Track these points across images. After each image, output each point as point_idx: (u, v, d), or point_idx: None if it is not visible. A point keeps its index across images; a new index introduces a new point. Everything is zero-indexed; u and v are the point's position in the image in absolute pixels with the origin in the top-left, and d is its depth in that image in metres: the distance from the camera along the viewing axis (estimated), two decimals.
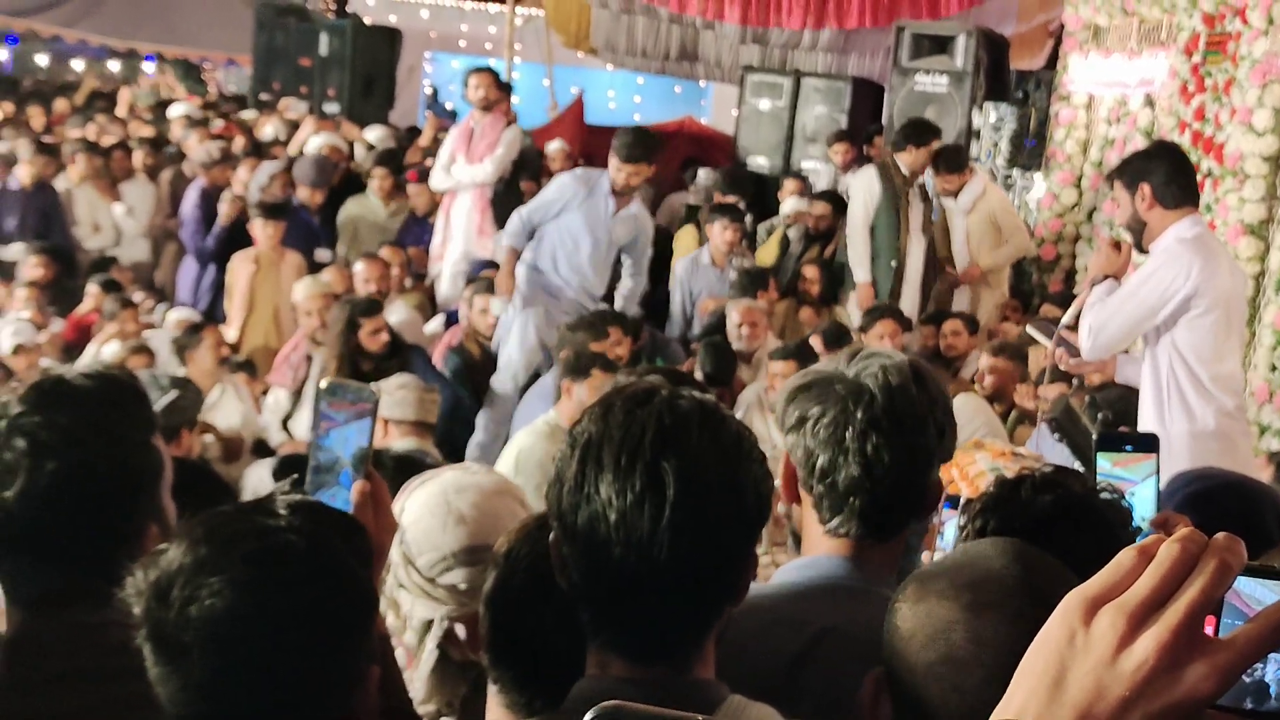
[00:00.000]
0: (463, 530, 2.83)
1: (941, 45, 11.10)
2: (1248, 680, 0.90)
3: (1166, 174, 4.76)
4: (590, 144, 15.00)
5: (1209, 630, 0.88)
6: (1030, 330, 6.11)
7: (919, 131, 8.98)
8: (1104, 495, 2.25)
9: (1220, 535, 0.90)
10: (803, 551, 2.26)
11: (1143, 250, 4.89)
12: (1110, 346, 5.01)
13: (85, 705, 1.90)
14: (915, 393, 2.11)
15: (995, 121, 11.17)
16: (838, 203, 9.93)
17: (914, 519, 2.22)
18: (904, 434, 2.09)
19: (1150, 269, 4.79)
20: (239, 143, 11.79)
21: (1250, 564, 0.90)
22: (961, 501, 3.73)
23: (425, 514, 2.96)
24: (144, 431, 2.13)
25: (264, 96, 14.40)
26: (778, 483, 1.98)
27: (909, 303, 8.87)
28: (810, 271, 8.97)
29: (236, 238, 9.39)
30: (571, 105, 15.47)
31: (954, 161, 9.51)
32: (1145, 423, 4.87)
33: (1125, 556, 0.91)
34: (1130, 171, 4.84)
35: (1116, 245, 4.94)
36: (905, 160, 8.84)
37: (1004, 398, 7.15)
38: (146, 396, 2.19)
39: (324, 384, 2.10)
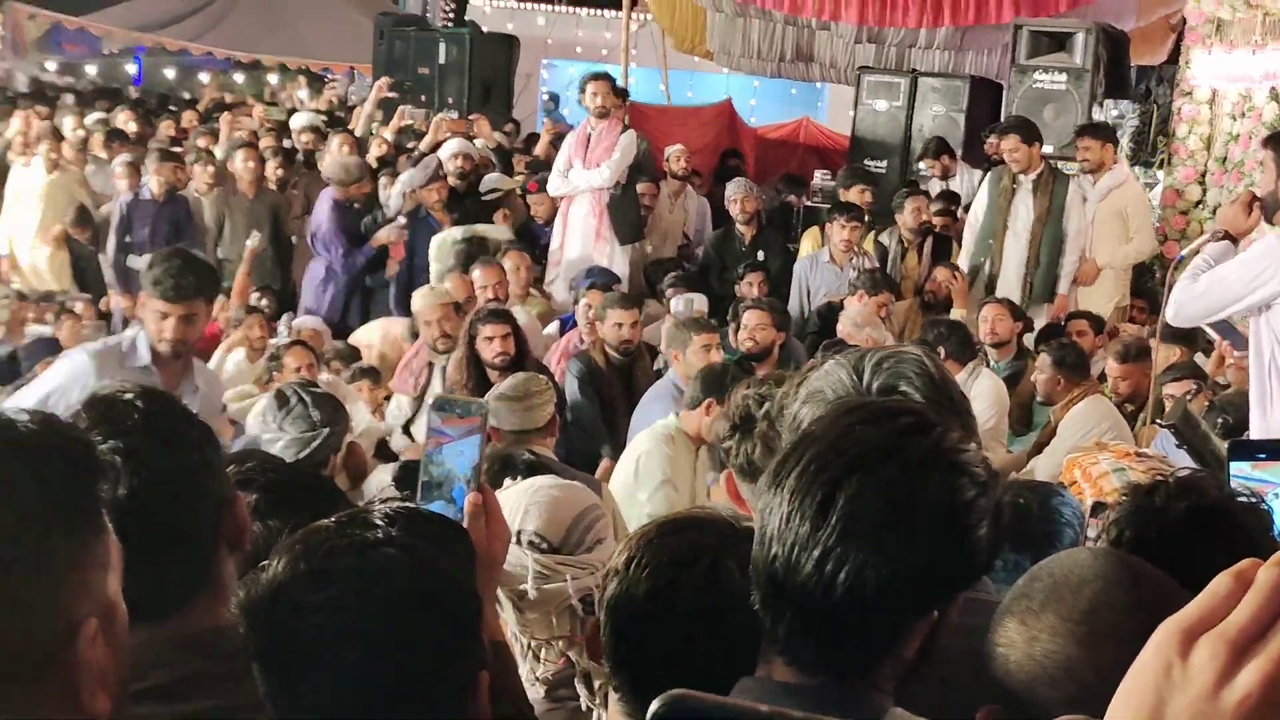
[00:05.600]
0: (567, 506, 3.32)
1: (1060, 42, 11.00)
2: None
3: None
4: (756, 146, 15.05)
5: None
6: (1206, 329, 6.20)
7: (1027, 130, 8.93)
8: (1241, 500, 2.19)
9: None
10: None
11: (1271, 223, 4.79)
12: (1190, 321, 5.06)
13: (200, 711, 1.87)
14: None
15: (1116, 118, 11.04)
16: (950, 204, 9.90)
17: None
18: None
19: (1246, 257, 4.67)
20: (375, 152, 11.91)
21: None
22: (1090, 505, 3.71)
23: (535, 506, 3.34)
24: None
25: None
26: None
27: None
28: (941, 273, 8.83)
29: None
30: (720, 108, 15.56)
31: (1102, 130, 9.45)
32: (1251, 409, 4.78)
33: (1220, 583, 0.87)
34: None
35: (1250, 205, 4.78)
36: (1016, 158, 8.81)
37: (1136, 398, 7.12)
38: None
39: (433, 400, 2.16)
